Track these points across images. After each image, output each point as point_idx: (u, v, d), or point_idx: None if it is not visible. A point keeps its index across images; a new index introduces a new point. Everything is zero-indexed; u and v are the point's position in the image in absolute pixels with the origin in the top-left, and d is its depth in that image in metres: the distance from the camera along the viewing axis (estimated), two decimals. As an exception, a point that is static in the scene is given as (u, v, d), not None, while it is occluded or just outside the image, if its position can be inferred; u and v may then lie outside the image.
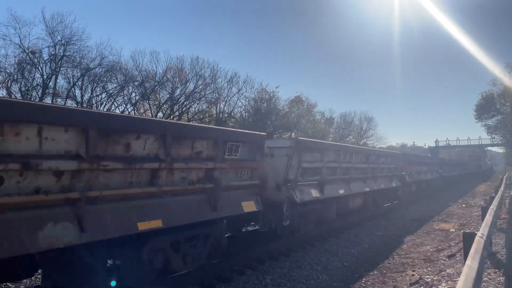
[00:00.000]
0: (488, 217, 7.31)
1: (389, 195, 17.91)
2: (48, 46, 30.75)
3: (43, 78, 30.87)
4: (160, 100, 38.88)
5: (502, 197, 16.11)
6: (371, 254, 10.16)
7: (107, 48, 34.95)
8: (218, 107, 42.72)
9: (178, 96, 38.94)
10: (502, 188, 19.18)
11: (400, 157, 19.34)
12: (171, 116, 36.99)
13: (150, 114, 36.91)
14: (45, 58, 30.98)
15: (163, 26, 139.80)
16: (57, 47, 31.01)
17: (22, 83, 30.28)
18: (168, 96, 38.56)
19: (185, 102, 39.50)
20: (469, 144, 79.16)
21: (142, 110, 37.70)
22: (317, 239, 10.54)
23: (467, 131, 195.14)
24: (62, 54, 31.18)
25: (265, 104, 44.73)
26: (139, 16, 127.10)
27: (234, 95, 42.99)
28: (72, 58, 31.83)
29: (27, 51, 29.90)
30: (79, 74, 32.52)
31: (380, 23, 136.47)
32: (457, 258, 8.50)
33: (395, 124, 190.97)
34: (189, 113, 40.12)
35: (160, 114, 37.42)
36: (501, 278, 6.67)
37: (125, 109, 35.50)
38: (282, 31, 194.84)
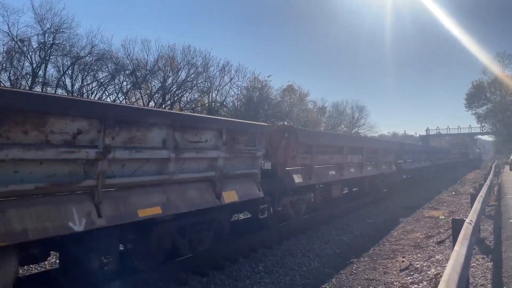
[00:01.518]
0: (477, 204, 7.45)
1: (215, 226, 7.41)
2: (37, 34, 30.32)
3: (32, 66, 30.48)
4: (151, 89, 38.63)
5: (491, 184, 16.37)
6: (362, 241, 10.32)
7: (97, 37, 34.64)
8: (210, 96, 42.60)
9: (170, 85, 38.73)
10: (491, 176, 19.47)
11: (259, 132, 8.13)
12: (163, 106, 36.79)
13: (141, 103, 36.69)
14: (34, 47, 30.58)
15: (154, 14, 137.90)
16: (46, 35, 30.58)
17: (11, 72, 29.87)
18: (159, 85, 38.31)
19: (177, 91, 39.29)
20: (459, 132, 79.93)
21: (133, 99, 37.43)
22: (309, 227, 10.64)
23: (457, 120, 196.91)
24: (51, 42, 30.75)
25: (258, 93, 44.66)
26: (130, 4, 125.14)
27: (226, 84, 42.88)
28: (62, 46, 31.45)
29: (15, 39, 29.44)
30: (69, 62, 32.16)
31: (372, 13, 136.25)
32: (446, 245, 8.67)
33: (386, 114, 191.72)
34: (181, 102, 39.93)
35: (151, 103, 37.20)
36: (489, 263, 6.82)
37: (117, 98, 35.27)
38: (274, 20, 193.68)
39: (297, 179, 9.77)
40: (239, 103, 44.51)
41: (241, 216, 11.22)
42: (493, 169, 28.08)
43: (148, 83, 38.28)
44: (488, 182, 14.67)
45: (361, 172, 14.48)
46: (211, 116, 10.51)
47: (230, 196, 7.07)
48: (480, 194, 9.22)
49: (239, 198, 7.30)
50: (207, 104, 41.61)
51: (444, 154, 39.31)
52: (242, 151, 7.57)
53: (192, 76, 39.44)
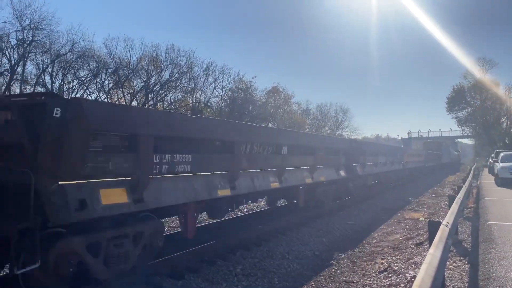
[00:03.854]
0: (455, 206, 7.47)
1: None
2: (16, 31, 29.55)
3: (10, 63, 29.70)
4: (134, 88, 38.14)
5: (469, 186, 16.57)
6: (342, 243, 10.27)
7: (78, 34, 33.97)
8: (194, 96, 42.26)
9: (153, 85, 38.28)
10: (469, 178, 19.71)
11: None
12: (146, 105, 36.34)
13: (124, 103, 36.19)
14: (13, 43, 29.81)
15: (137, 12, 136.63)
16: (25, 31, 29.83)
17: (-11, 69, 29.06)
18: (142, 84, 37.86)
19: (160, 91, 38.88)
20: (440, 135, 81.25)
21: (116, 98, 36.89)
22: (289, 228, 10.56)
23: (439, 123, 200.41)
24: (30, 39, 30.02)
25: (242, 94, 44.52)
26: (113, 2, 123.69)
27: (211, 84, 42.59)
28: (42, 43, 30.73)
29: (-7, 35, 28.64)
30: (49, 60, 31.47)
31: (357, 17, 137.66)
32: (425, 246, 8.68)
33: (370, 116, 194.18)
34: (165, 102, 39.53)
35: (134, 103, 36.71)
36: (466, 266, 6.84)
37: (98, 97, 34.66)
38: (259, 23, 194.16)
39: None
40: (223, 103, 44.32)
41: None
42: (472, 172, 28.53)
43: (131, 82, 37.82)
44: (466, 184, 14.83)
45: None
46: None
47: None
48: (458, 196, 9.28)
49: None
50: (191, 104, 41.28)
51: (392, 157, 22.51)
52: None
53: (175, 76, 39.08)
